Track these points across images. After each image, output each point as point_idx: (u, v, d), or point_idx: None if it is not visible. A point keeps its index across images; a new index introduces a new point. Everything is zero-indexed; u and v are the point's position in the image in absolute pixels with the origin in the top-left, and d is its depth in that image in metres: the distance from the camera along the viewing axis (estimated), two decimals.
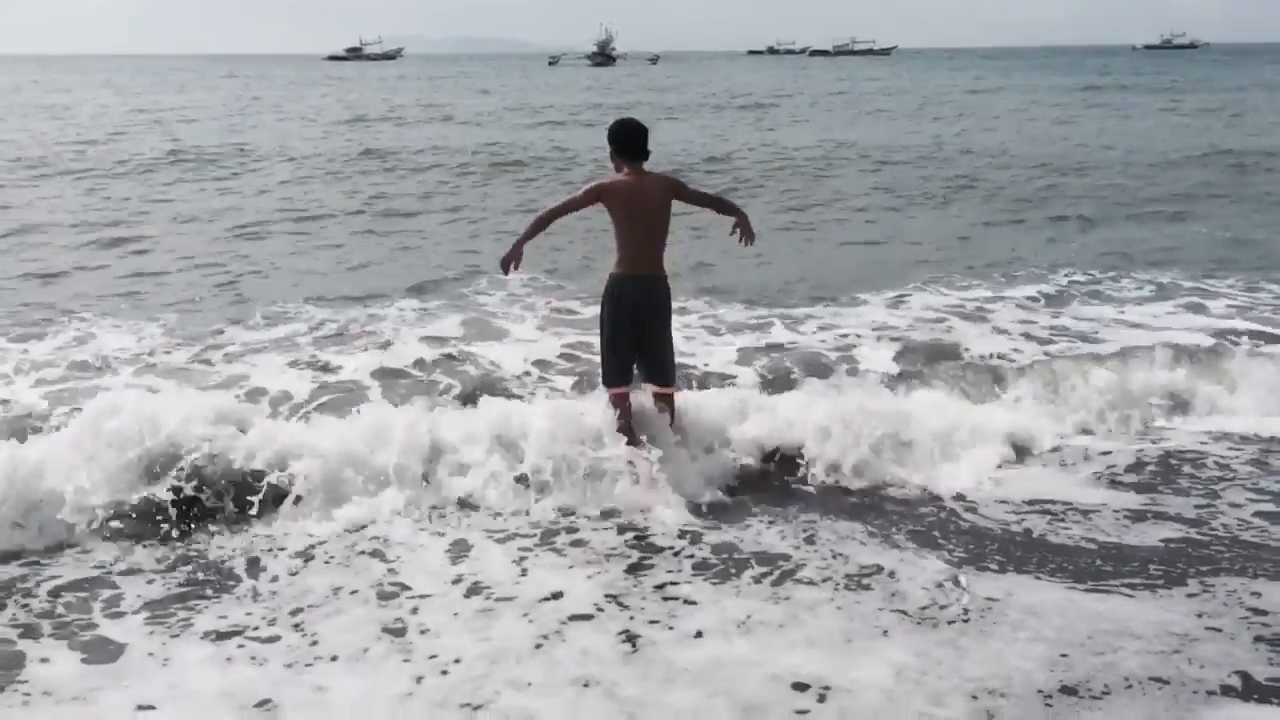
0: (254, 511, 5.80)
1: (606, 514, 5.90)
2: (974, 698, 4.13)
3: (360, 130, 33.84)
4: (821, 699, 4.14)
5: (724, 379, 8.11)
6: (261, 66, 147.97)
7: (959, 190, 19.46)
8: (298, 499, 5.88)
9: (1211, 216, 16.35)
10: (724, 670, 4.34)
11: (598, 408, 6.51)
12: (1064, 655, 4.41)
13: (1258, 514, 5.85)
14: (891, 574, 5.19)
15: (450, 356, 8.76)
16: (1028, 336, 9.59)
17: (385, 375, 8.30)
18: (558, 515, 5.88)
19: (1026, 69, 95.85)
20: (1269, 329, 9.72)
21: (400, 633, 4.67)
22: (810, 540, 5.60)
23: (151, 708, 4.14)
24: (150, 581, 5.13)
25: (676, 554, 5.44)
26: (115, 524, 5.58)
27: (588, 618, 4.80)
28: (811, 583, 5.11)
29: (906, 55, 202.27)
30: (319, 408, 7.41)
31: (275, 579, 5.18)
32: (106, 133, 31.72)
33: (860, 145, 27.55)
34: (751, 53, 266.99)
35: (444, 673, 4.33)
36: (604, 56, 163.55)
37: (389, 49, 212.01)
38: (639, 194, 6.27)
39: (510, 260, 6.36)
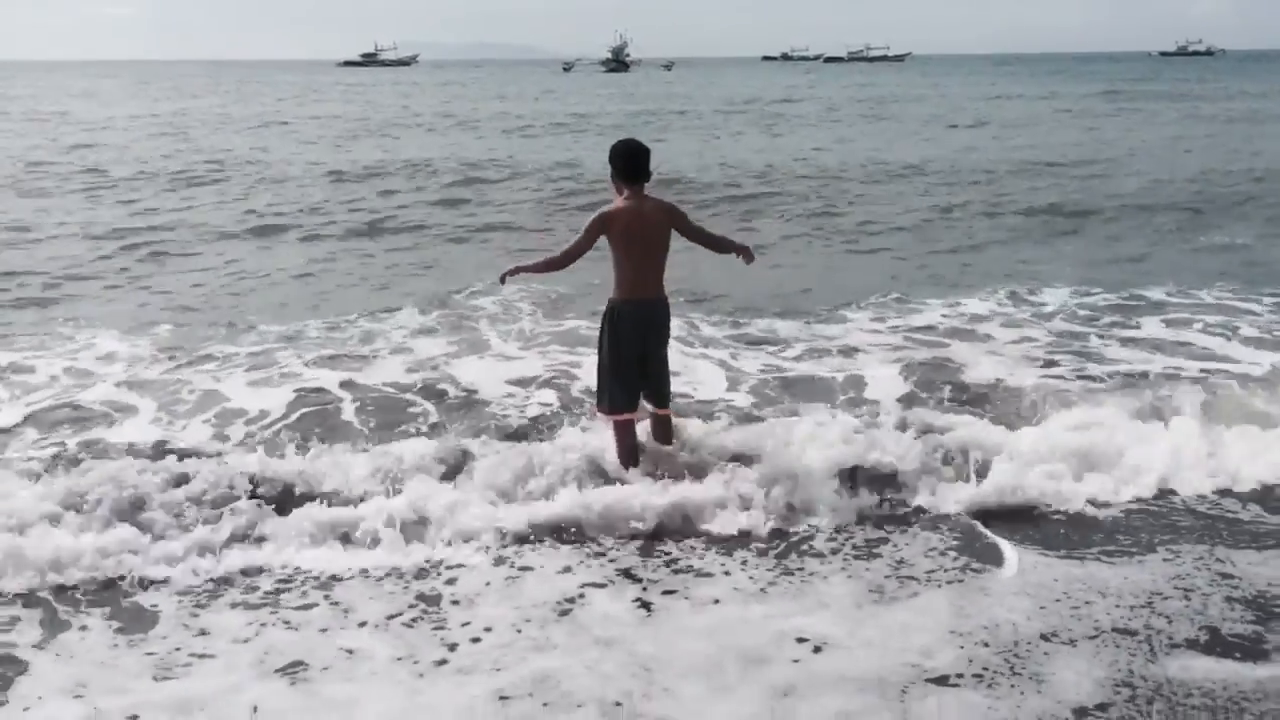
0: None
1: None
2: (960, 647, 4.59)
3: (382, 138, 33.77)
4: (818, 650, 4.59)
5: (721, 404, 7.81)
6: (278, 72, 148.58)
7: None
8: None
9: None
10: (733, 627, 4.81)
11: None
12: (1042, 607, 4.94)
13: None
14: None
15: (432, 377, 8.53)
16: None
17: (363, 393, 8.10)
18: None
19: (1061, 77, 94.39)
20: None
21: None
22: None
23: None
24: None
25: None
26: None
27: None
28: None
29: (920, 61, 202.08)
30: (291, 427, 7.31)
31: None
32: (132, 137, 31.70)
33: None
34: (766, 58, 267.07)
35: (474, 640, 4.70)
36: (618, 63, 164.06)
37: (403, 55, 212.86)
38: (638, 220, 6.22)
39: (509, 275, 6.48)
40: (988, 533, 5.79)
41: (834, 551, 5.61)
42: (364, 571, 5.34)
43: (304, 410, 7.69)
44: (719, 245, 6.61)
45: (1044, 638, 4.64)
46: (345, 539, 5.64)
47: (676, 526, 5.84)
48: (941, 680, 4.33)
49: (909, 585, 5.20)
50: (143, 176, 22.91)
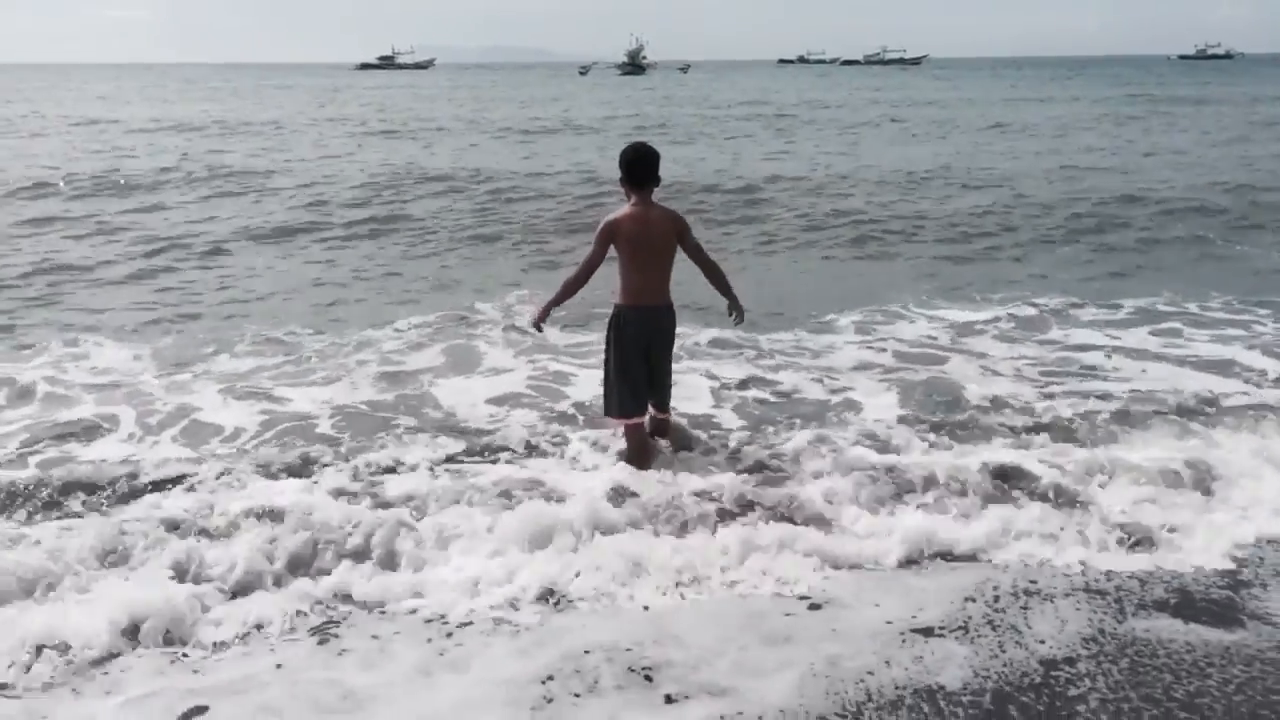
0: None
1: None
2: (950, 603, 4.88)
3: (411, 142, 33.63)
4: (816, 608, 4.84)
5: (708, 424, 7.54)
6: (298, 75, 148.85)
7: None
8: None
9: None
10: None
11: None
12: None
13: None
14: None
15: (413, 391, 8.33)
16: None
17: (339, 412, 7.86)
18: None
19: (1082, 80, 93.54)
20: None
21: None
22: None
23: None
24: None
25: None
26: None
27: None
28: None
29: (937, 65, 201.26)
30: (263, 444, 7.10)
31: None
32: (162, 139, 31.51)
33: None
34: (782, 61, 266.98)
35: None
36: (634, 66, 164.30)
37: (420, 59, 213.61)
38: (644, 227, 6.25)
39: (540, 321, 6.52)
40: None
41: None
42: None
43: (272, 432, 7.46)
44: (714, 275, 6.59)
45: None
46: None
47: None
48: None
49: None
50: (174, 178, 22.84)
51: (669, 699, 4.10)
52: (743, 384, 8.46)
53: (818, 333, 10.23)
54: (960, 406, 7.86)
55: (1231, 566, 5.27)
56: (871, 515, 5.78)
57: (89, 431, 7.45)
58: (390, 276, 13.54)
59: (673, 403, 6.81)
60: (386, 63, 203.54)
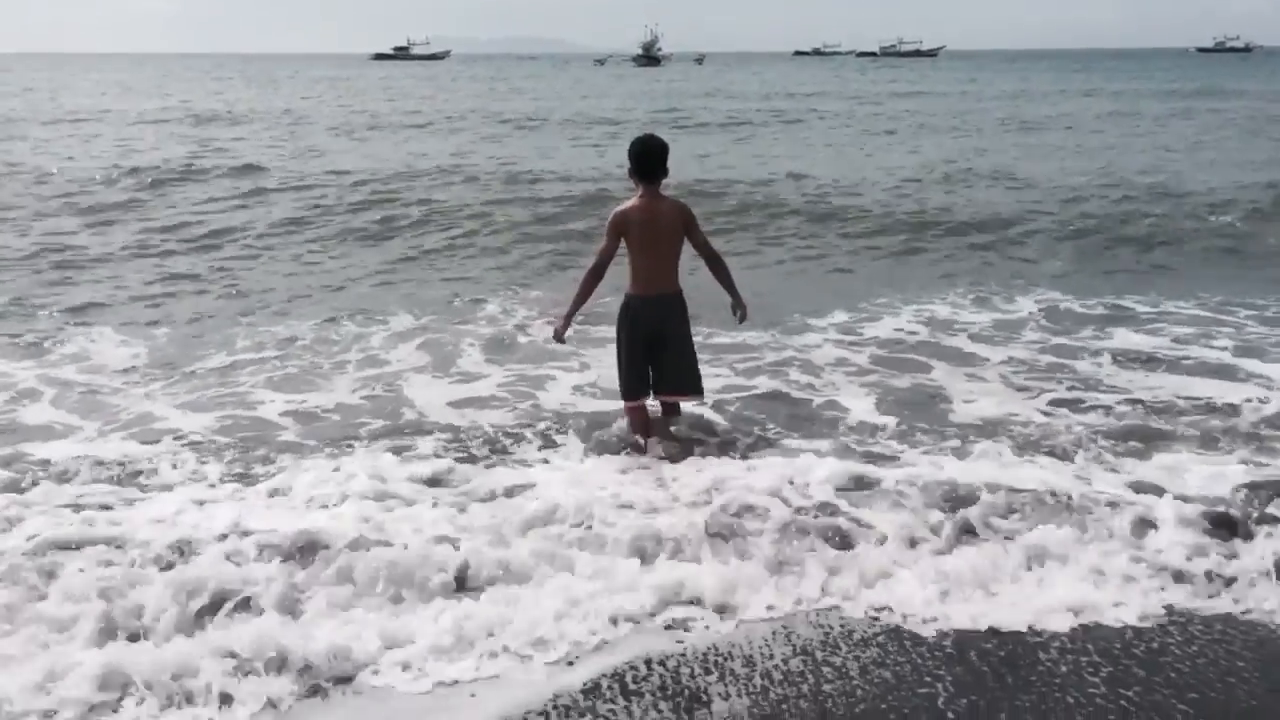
0: None
1: None
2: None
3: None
4: None
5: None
6: (317, 66, 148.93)
7: None
8: None
9: None
10: None
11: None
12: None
13: None
14: None
15: (380, 394, 8.08)
16: None
17: (303, 419, 7.58)
18: None
19: (1103, 73, 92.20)
20: None
21: None
22: None
23: None
24: None
25: None
26: None
27: None
28: None
29: (957, 56, 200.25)
30: (221, 453, 6.78)
31: None
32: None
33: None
34: (798, 53, 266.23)
35: None
36: (649, 58, 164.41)
37: (435, 50, 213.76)
38: (652, 217, 6.38)
39: (561, 332, 6.63)
40: None
41: None
42: None
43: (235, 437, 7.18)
44: (719, 270, 6.68)
45: None
46: None
47: None
48: None
49: None
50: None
51: None
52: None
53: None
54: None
55: None
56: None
57: (43, 430, 7.27)
58: (398, 270, 13.35)
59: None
60: (401, 53, 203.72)
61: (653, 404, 6.79)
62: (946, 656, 4.33)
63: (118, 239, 15.23)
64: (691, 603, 4.71)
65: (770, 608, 4.68)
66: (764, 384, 8.18)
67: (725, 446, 6.67)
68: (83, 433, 7.21)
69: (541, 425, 7.23)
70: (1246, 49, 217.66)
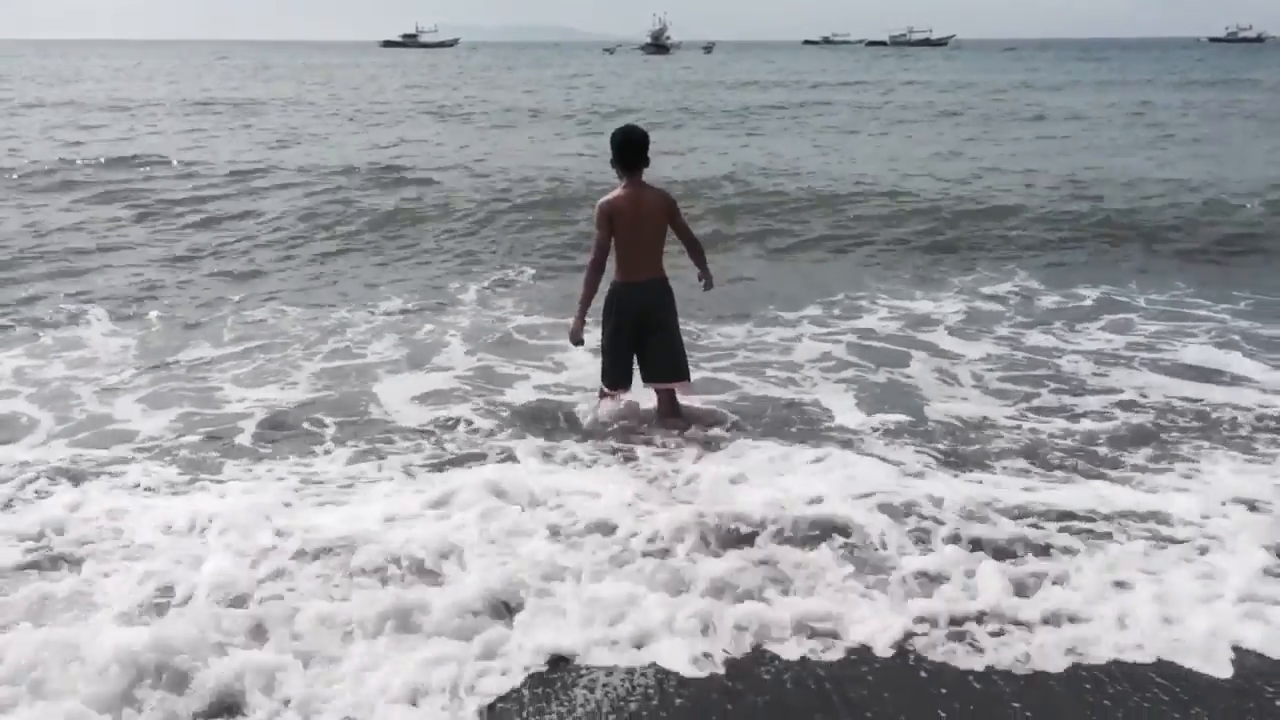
0: None
1: None
2: None
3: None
4: None
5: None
6: (326, 53, 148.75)
7: None
8: None
9: None
10: None
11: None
12: None
13: None
14: None
15: (337, 395, 7.86)
16: None
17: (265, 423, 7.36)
18: None
19: (1121, 63, 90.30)
20: None
21: None
22: None
23: None
24: None
25: None
26: None
27: None
28: None
29: (968, 47, 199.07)
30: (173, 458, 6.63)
31: None
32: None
33: None
34: (807, 43, 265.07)
35: None
36: (658, 46, 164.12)
37: (444, 38, 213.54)
38: (637, 206, 6.49)
39: (578, 333, 6.64)
40: None
41: None
42: None
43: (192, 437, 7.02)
44: (695, 251, 6.84)
45: None
46: None
47: None
48: None
49: None
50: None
51: None
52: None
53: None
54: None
55: None
56: None
57: (5, 426, 7.18)
58: (403, 261, 13.31)
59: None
60: (410, 41, 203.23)
61: (649, 405, 6.92)
62: None
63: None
64: None
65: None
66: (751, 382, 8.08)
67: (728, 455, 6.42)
68: (41, 427, 7.13)
69: (499, 424, 7.13)
70: (1259, 39, 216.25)
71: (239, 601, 4.54)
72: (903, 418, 7.19)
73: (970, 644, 4.30)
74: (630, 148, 6.49)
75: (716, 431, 6.79)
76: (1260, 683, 4.07)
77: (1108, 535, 5.22)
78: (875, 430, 6.96)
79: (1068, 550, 5.04)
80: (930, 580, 4.76)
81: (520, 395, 7.75)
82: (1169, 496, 5.71)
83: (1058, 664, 4.19)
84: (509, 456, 6.45)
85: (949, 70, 79.84)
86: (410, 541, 5.02)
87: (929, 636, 4.35)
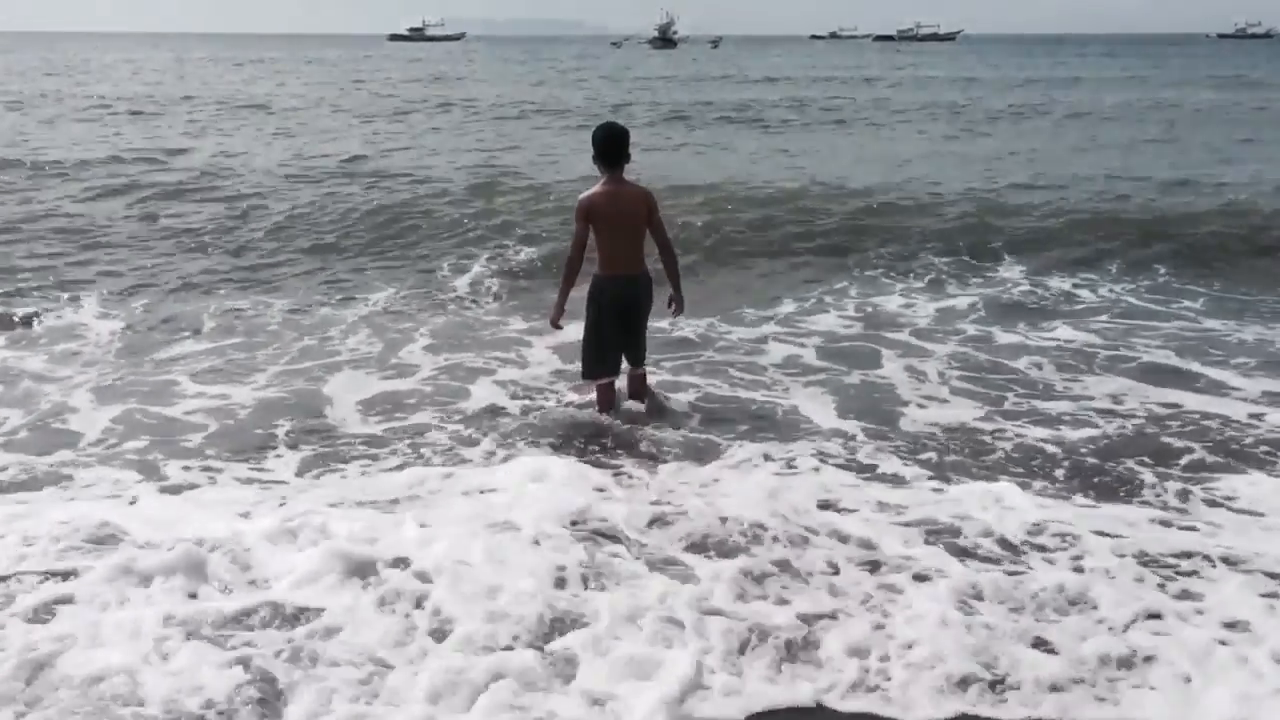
0: None
1: None
2: None
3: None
4: None
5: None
6: (345, 46, 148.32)
7: None
8: None
9: None
10: None
11: None
12: None
13: None
14: None
15: (291, 393, 7.75)
16: None
17: (220, 415, 7.30)
18: None
19: (1140, 59, 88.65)
20: None
21: None
22: None
23: None
24: None
25: None
26: None
27: None
28: None
29: (976, 41, 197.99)
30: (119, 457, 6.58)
31: None
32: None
33: None
34: (814, 37, 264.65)
35: None
36: (665, 40, 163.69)
37: (450, 31, 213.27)
38: (615, 203, 6.65)
39: (557, 319, 6.93)
40: None
41: None
42: None
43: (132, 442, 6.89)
44: (668, 261, 6.96)
45: None
46: None
47: None
48: None
49: None
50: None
51: None
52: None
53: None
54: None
55: None
56: None
57: None
58: (401, 259, 13.10)
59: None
60: (417, 34, 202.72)
61: (625, 404, 7.09)
62: None
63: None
64: None
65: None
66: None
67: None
68: None
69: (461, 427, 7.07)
70: (1269, 35, 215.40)
71: None
72: (876, 423, 7.13)
73: None
74: (611, 144, 6.64)
75: (682, 430, 6.84)
76: None
77: None
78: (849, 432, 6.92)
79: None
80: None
81: (482, 394, 7.68)
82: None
83: None
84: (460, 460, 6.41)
85: (955, 67, 79.19)
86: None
87: None
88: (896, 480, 6.11)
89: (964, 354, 8.83)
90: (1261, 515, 5.60)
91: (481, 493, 5.67)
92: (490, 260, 12.34)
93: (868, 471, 6.24)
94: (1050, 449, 6.65)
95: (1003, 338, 9.38)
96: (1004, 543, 5.13)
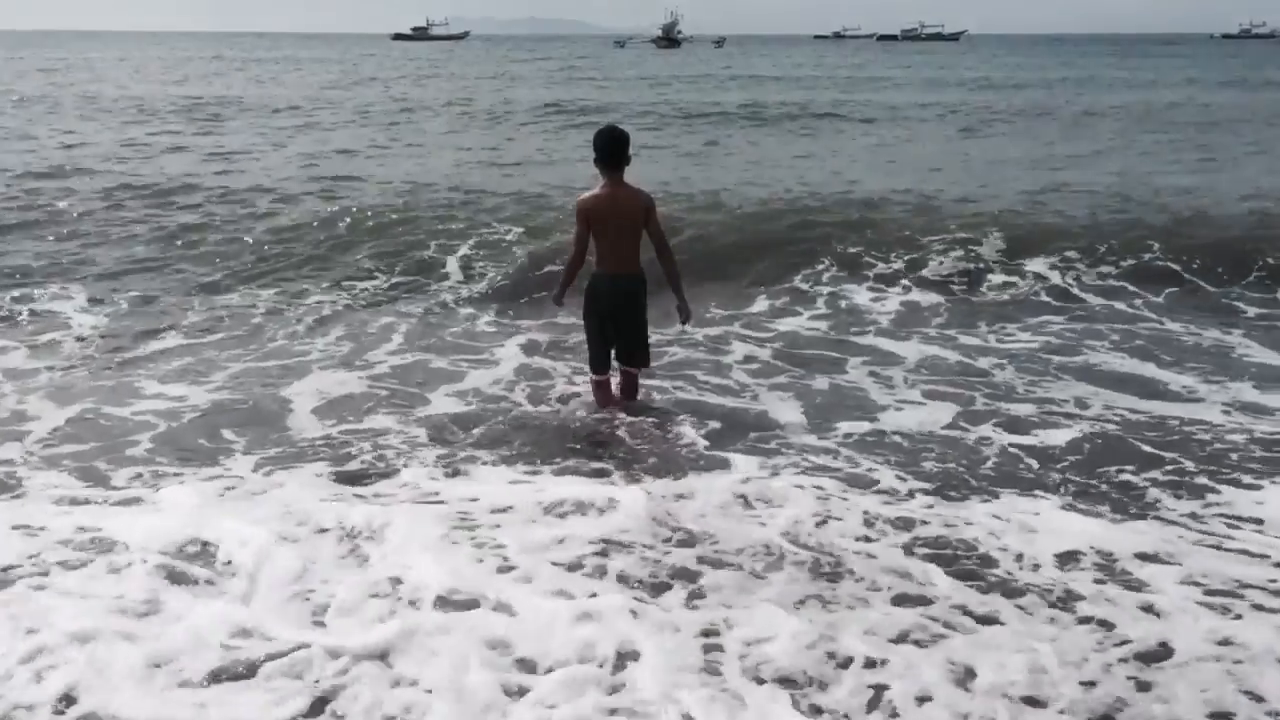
0: None
1: None
2: None
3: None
4: None
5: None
6: (350, 45, 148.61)
7: None
8: None
9: None
10: None
11: None
12: None
13: None
14: None
15: (242, 395, 7.68)
16: None
17: (169, 415, 7.21)
18: None
19: (1153, 61, 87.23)
20: None
21: None
22: None
23: None
24: None
25: None
26: None
27: None
28: None
29: (978, 41, 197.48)
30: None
31: None
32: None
33: None
34: (817, 37, 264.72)
35: None
36: (669, 40, 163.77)
37: (454, 30, 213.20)
38: (613, 204, 6.80)
39: (559, 299, 7.29)
40: None
41: None
42: None
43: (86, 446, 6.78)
44: (669, 268, 7.04)
45: None
46: None
47: None
48: None
49: None
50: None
51: None
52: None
53: None
54: None
55: None
56: None
57: None
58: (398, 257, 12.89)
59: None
60: (420, 33, 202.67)
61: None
62: None
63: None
64: None
65: None
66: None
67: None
68: None
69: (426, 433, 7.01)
70: (1272, 35, 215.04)
71: None
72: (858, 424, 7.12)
73: None
74: (611, 146, 6.77)
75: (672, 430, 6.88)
76: None
77: None
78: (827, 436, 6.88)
79: None
80: None
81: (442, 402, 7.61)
82: None
83: None
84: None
85: (957, 67, 78.89)
86: None
87: None
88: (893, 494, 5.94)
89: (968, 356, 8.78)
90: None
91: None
92: (475, 260, 12.29)
93: (860, 483, 6.07)
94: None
95: (1006, 341, 9.37)
96: None
